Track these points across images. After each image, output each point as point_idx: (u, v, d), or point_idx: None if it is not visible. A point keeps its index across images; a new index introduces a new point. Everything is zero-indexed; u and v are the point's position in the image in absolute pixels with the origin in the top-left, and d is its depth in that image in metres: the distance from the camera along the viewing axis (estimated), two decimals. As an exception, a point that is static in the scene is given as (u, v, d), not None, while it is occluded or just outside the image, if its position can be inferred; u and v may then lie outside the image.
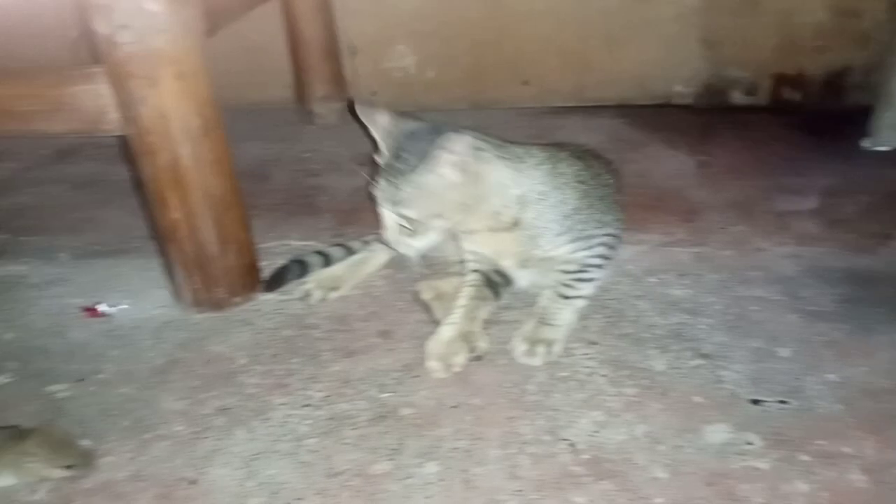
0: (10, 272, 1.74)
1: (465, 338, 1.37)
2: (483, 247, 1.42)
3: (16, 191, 2.16)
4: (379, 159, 1.33)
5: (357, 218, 1.93)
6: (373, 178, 1.33)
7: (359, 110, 1.33)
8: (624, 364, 1.36)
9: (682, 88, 2.61)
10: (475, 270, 1.48)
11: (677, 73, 2.59)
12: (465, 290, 1.45)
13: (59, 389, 1.36)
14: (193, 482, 1.16)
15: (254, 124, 2.51)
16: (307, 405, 1.30)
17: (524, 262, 1.45)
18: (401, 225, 1.29)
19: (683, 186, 2.03)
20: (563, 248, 1.40)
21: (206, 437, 1.24)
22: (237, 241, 1.54)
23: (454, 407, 1.28)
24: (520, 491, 1.11)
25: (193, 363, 1.42)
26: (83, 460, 1.17)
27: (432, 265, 1.60)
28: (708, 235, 1.77)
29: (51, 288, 1.68)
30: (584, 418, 1.24)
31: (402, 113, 1.34)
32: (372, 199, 1.34)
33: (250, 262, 1.59)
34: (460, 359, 1.35)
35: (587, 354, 1.38)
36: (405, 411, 1.28)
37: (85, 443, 1.21)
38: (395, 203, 1.26)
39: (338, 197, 2.09)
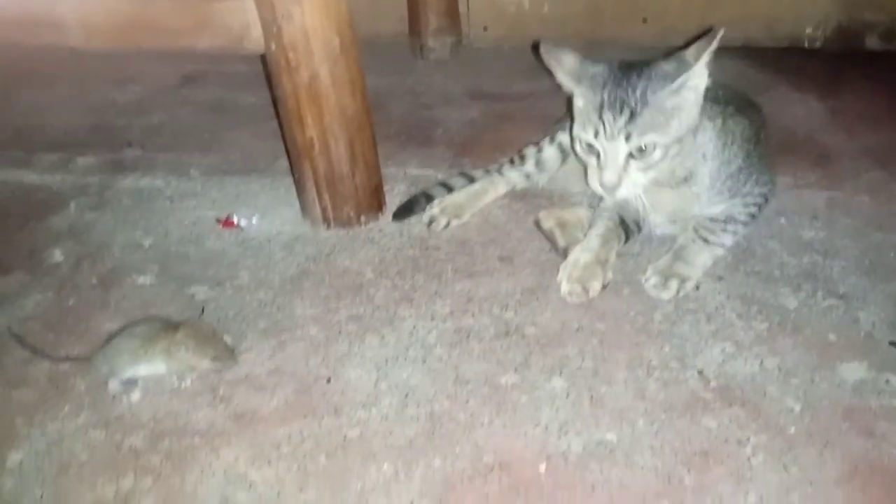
0: (146, 185, 1.85)
1: (602, 265, 1.37)
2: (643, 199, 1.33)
3: (146, 112, 2.27)
4: (580, 102, 1.29)
5: (472, 150, 1.94)
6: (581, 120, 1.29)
7: (544, 50, 1.31)
8: (754, 300, 1.33)
9: (812, 31, 2.47)
10: (610, 211, 1.47)
11: (808, 14, 2.45)
12: (601, 222, 1.45)
13: (199, 291, 1.45)
14: (329, 380, 1.22)
15: (368, 56, 2.53)
16: (433, 318, 1.34)
17: (673, 219, 1.44)
18: (629, 158, 1.24)
19: (814, 131, 1.94)
20: (719, 207, 1.39)
21: (340, 341, 1.30)
22: (366, 161, 1.57)
23: (578, 330, 1.29)
24: (648, 411, 1.12)
25: (323, 274, 1.47)
26: (228, 353, 1.24)
27: (551, 196, 1.61)
28: (842, 181, 1.69)
29: (184, 201, 1.77)
30: (712, 349, 1.23)
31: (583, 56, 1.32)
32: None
33: (377, 184, 1.63)
34: (597, 284, 1.36)
35: (715, 289, 1.36)
36: (529, 330, 1.30)
37: (226, 340, 1.29)
38: (632, 132, 1.21)
39: (452, 129, 2.10)
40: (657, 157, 1.25)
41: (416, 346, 1.28)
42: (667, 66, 1.24)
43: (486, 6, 2.68)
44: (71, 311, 1.40)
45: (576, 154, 1.35)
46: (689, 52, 1.23)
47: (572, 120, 1.34)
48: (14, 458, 1.10)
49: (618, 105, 1.22)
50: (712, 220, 1.40)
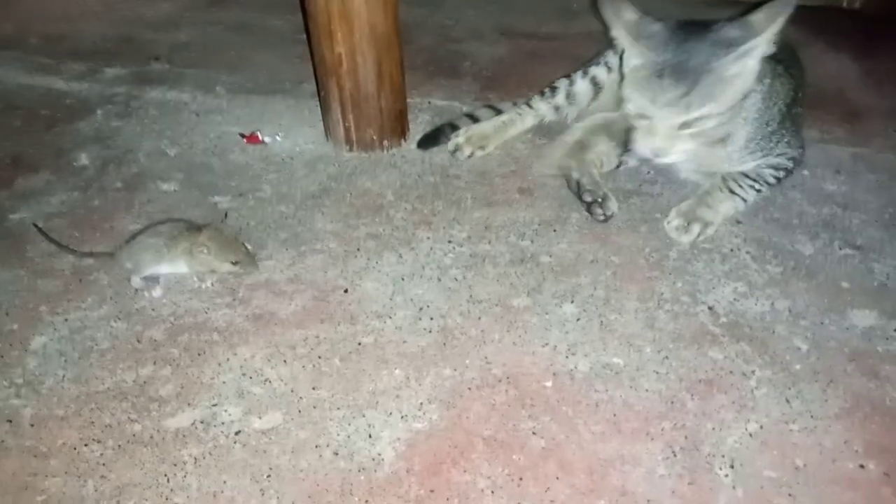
0: (172, 98, 1.85)
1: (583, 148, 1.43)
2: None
3: (174, 28, 2.26)
4: (636, 62, 1.24)
5: (499, 85, 1.93)
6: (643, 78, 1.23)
7: (602, 4, 1.25)
8: (770, 245, 1.34)
9: (852, -9, 2.41)
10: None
11: (850, -27, 2.38)
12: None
13: (222, 200, 1.47)
14: (346, 291, 1.24)
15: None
16: (450, 241, 1.35)
17: (702, 171, 1.43)
18: (682, 125, 1.21)
19: (845, 88, 1.91)
20: (751, 165, 1.38)
21: (358, 256, 1.32)
22: (393, 83, 1.57)
23: (593, 261, 1.31)
24: (656, 339, 1.14)
25: (344, 193, 1.49)
26: (249, 259, 1.26)
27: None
28: (869, 138, 1.67)
29: (210, 116, 1.77)
30: (724, 287, 1.25)
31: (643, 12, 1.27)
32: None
33: (401, 109, 1.63)
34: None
35: (732, 232, 1.37)
36: (544, 259, 1.31)
37: (248, 246, 1.31)
38: (691, 102, 1.17)
39: (480, 63, 2.08)
40: (710, 125, 1.21)
41: (432, 265, 1.30)
42: (732, 32, 1.18)
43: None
44: (96, 211, 1.43)
45: (624, 110, 1.30)
46: (757, 18, 1.17)
47: (620, 59, 1.31)
48: (38, 341, 1.14)
49: (677, 72, 1.16)
50: (743, 174, 1.39)
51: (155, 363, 1.10)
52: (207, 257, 1.24)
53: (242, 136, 1.67)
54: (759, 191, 1.40)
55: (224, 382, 1.07)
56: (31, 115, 1.79)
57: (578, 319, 1.18)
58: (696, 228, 1.35)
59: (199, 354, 1.11)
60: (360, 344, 1.14)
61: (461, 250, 1.33)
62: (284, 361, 1.11)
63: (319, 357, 1.11)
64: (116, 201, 1.46)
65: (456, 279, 1.26)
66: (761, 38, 1.15)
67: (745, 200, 1.40)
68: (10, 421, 1.01)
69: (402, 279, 1.27)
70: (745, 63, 1.18)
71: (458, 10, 2.46)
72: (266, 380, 1.07)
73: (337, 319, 1.18)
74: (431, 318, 1.18)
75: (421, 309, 1.20)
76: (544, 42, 2.25)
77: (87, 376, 1.08)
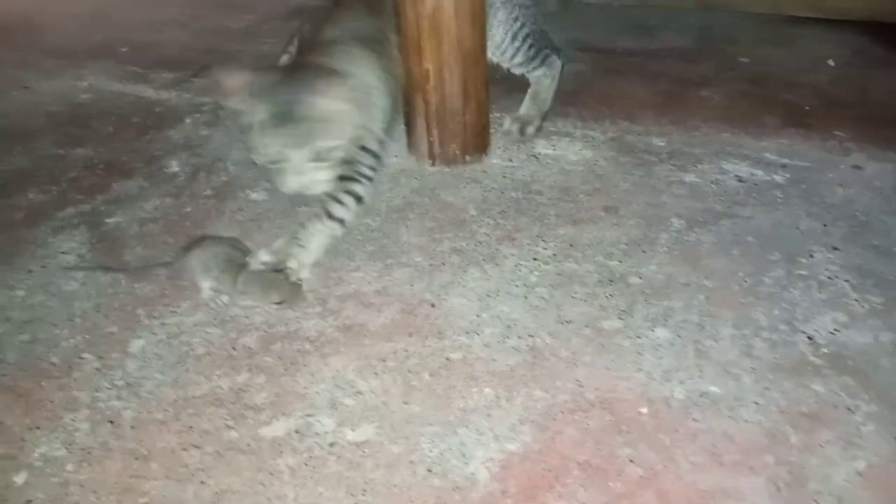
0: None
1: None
2: None
3: (256, 39, 2.31)
4: (258, 117, 1.34)
5: (579, 99, 1.92)
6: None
7: (212, 75, 1.48)
8: (869, 273, 1.29)
9: (948, 9, 2.31)
10: None
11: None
12: None
13: (309, 211, 1.48)
14: (433, 305, 1.24)
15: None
16: (536, 259, 1.34)
17: None
18: (314, 160, 1.35)
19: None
20: None
21: (443, 271, 1.32)
22: (478, 98, 1.57)
23: (685, 284, 1.28)
24: (754, 369, 1.11)
25: (427, 207, 1.49)
26: (293, 294, 1.24)
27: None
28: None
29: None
30: (824, 316, 1.20)
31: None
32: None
33: (485, 124, 1.63)
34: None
35: (829, 258, 1.32)
36: (633, 280, 1.29)
37: (338, 259, 1.31)
38: (306, 140, 1.32)
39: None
40: (340, 154, 1.40)
41: (517, 283, 1.29)
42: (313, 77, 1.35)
43: (596, -39, 2.61)
44: (188, 217, 1.46)
45: None
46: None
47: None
48: (137, 344, 1.17)
49: (286, 120, 1.33)
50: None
51: (250, 371, 1.12)
52: (251, 299, 1.24)
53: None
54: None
55: (317, 393, 1.08)
56: (123, 122, 1.85)
57: (672, 345, 1.15)
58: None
59: (291, 363, 1.12)
60: (448, 359, 1.13)
61: (547, 268, 1.32)
62: (375, 374, 1.11)
63: (409, 371, 1.11)
64: (207, 209, 1.49)
65: (543, 298, 1.25)
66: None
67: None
68: (112, 422, 1.04)
69: (488, 295, 1.26)
70: (329, 105, 1.32)
71: (535, 25, 2.45)
72: (358, 392, 1.08)
73: (425, 333, 1.18)
74: (520, 337, 1.17)
75: (508, 327, 1.19)
76: (622, 58, 2.23)
77: (185, 381, 1.10)
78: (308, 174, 1.35)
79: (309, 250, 1.32)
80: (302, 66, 1.42)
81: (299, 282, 1.27)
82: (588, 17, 2.56)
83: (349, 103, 1.36)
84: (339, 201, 1.38)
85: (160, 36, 2.36)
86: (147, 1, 2.61)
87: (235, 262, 1.26)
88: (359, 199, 1.42)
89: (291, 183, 1.35)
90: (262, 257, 1.27)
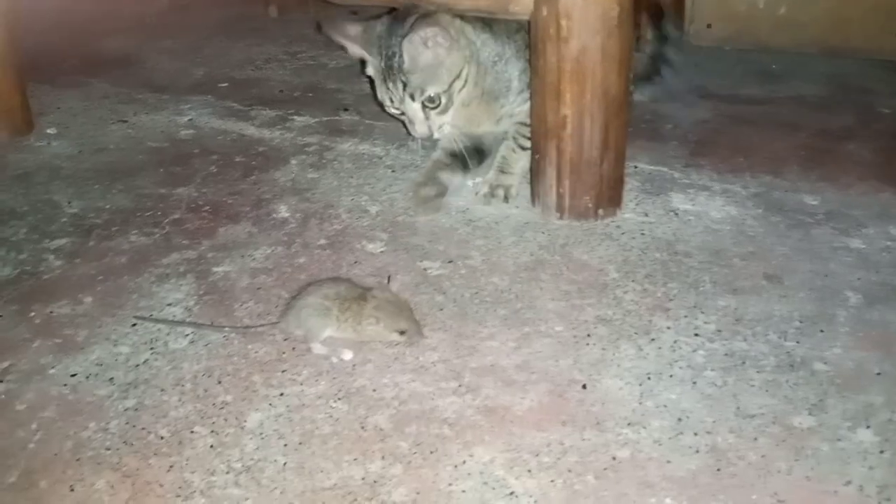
0: (364, 150, 1.79)
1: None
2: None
3: (357, 78, 2.22)
4: (371, 70, 1.50)
5: (708, 149, 1.76)
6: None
7: (325, 27, 1.50)
8: None
9: None
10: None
11: None
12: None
13: (431, 266, 1.35)
14: (585, 387, 1.08)
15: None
16: (697, 335, 1.17)
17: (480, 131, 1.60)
18: (425, 108, 1.44)
19: None
20: (525, 108, 1.50)
21: (591, 344, 1.16)
22: (617, 149, 1.43)
23: (879, 374, 1.09)
24: None
25: (560, 266, 1.35)
26: (415, 328, 1.14)
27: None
28: None
29: (406, 172, 1.69)
30: None
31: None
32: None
33: (620, 176, 1.49)
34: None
35: None
36: (818, 366, 1.11)
37: (469, 324, 1.17)
38: (412, 90, 1.42)
39: (683, 126, 1.92)
40: (448, 99, 1.48)
41: (681, 363, 1.12)
42: (418, 26, 1.39)
43: (714, 1, 2.46)
44: (302, 269, 1.35)
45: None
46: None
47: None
48: (255, 417, 1.04)
49: (392, 72, 1.45)
50: (522, 123, 1.53)
51: (383, 457, 0.97)
52: (376, 328, 1.13)
53: (443, 195, 1.56)
54: None
55: (463, 491, 0.92)
56: (226, 161, 1.76)
57: (882, 452, 0.96)
58: (500, 193, 1.51)
59: (431, 452, 0.97)
60: (614, 458, 0.96)
61: (712, 347, 1.15)
62: (529, 471, 0.95)
63: (569, 470, 0.95)
64: (322, 260, 1.37)
65: (715, 384, 1.08)
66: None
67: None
68: (231, 513, 0.90)
69: (649, 378, 1.09)
70: (436, 52, 1.39)
71: (646, 70, 2.30)
72: (512, 493, 0.92)
73: (581, 423, 1.02)
74: (696, 434, 1.00)
75: (679, 420, 1.02)
76: (748, 106, 2.07)
77: (311, 467, 0.96)
78: (433, 119, 1.46)
79: (515, 174, 1.54)
80: (406, 14, 1.45)
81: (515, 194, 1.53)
82: (703, 61, 2.41)
83: (451, 49, 1.42)
84: (523, 135, 1.52)
85: (260, 73, 2.30)
86: (245, 38, 2.56)
87: (354, 294, 1.15)
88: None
89: (420, 129, 1.47)
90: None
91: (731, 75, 2.29)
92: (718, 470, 0.94)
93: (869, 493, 0.91)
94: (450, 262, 1.36)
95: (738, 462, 0.95)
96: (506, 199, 1.51)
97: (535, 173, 1.51)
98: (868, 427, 1.00)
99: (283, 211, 1.53)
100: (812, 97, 2.13)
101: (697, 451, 0.97)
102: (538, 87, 1.40)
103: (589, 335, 1.18)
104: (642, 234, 1.44)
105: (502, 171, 1.55)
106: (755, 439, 0.99)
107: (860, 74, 2.27)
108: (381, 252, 1.39)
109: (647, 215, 1.50)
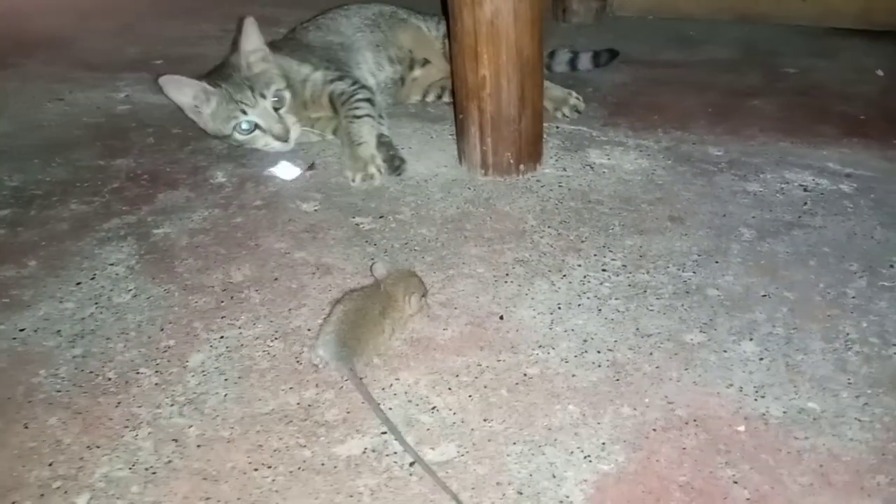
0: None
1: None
2: None
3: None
4: (212, 105, 1.61)
5: (627, 109, 1.89)
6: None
7: (164, 87, 1.61)
8: (959, 284, 1.22)
9: None
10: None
11: None
12: None
13: (363, 222, 1.44)
14: (502, 318, 1.18)
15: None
16: (605, 269, 1.29)
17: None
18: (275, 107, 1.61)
19: None
20: (339, 87, 1.70)
21: (508, 282, 1.26)
22: (533, 106, 1.53)
23: (765, 296, 1.22)
24: (851, 384, 1.05)
25: (484, 217, 1.44)
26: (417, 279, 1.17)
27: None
28: None
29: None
30: (917, 328, 1.14)
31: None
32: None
33: (538, 132, 1.59)
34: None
35: (914, 268, 1.26)
36: (711, 291, 1.23)
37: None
38: (263, 93, 1.59)
39: (603, 89, 2.04)
40: (288, 96, 1.63)
41: (589, 294, 1.23)
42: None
43: (632, -27, 2.59)
44: (239, 228, 1.42)
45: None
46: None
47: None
48: (196, 358, 1.11)
49: (241, 86, 1.59)
50: (340, 97, 1.69)
51: (317, 385, 1.06)
52: (419, 302, 1.15)
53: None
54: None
55: (390, 409, 1.02)
56: (163, 133, 1.81)
57: (762, 359, 1.09)
58: (372, 169, 1.54)
59: (360, 379, 1.06)
60: (525, 375, 1.07)
61: (618, 279, 1.27)
62: (449, 389, 1.05)
63: (485, 386, 1.05)
64: (258, 219, 1.44)
65: (618, 310, 1.19)
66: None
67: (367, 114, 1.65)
68: (176, 440, 0.98)
69: (559, 308, 1.20)
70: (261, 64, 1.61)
71: (570, 38, 2.43)
72: (433, 408, 1.02)
73: (497, 348, 1.12)
74: (598, 352, 1.11)
75: (585, 341, 1.13)
76: (665, 69, 2.20)
77: (250, 397, 1.04)
78: (284, 121, 1.61)
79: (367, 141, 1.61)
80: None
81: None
82: (626, 30, 2.54)
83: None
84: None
85: (193, 50, 2.33)
86: (179, 18, 2.58)
87: (385, 295, 1.13)
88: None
89: (282, 132, 1.62)
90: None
91: (651, 42, 2.42)
92: (617, 380, 1.06)
93: (747, 392, 1.04)
94: (381, 217, 1.45)
95: (634, 373, 1.07)
96: (379, 170, 1.55)
97: (459, 133, 1.60)
98: (751, 339, 1.13)
99: (219, 176, 1.59)
100: (724, 60, 2.28)
101: (599, 366, 1.09)
102: (458, 51, 1.49)
103: (507, 274, 1.29)
104: (560, 186, 1.55)
105: (355, 150, 1.57)
106: (651, 354, 1.11)
107: (770, 38, 2.43)
108: (315, 210, 1.47)
109: (565, 170, 1.61)
